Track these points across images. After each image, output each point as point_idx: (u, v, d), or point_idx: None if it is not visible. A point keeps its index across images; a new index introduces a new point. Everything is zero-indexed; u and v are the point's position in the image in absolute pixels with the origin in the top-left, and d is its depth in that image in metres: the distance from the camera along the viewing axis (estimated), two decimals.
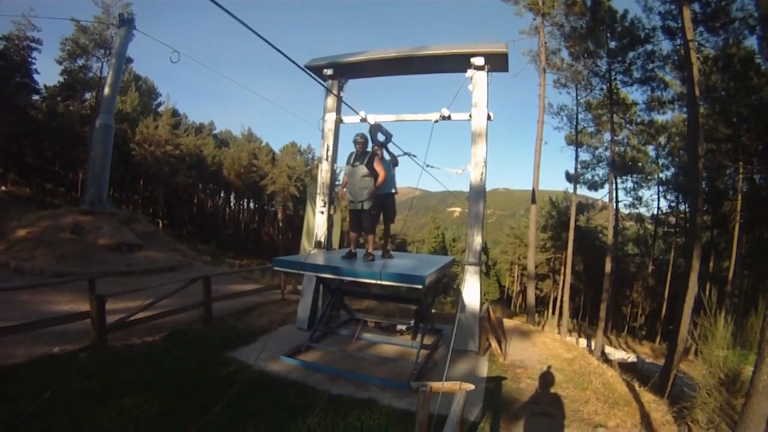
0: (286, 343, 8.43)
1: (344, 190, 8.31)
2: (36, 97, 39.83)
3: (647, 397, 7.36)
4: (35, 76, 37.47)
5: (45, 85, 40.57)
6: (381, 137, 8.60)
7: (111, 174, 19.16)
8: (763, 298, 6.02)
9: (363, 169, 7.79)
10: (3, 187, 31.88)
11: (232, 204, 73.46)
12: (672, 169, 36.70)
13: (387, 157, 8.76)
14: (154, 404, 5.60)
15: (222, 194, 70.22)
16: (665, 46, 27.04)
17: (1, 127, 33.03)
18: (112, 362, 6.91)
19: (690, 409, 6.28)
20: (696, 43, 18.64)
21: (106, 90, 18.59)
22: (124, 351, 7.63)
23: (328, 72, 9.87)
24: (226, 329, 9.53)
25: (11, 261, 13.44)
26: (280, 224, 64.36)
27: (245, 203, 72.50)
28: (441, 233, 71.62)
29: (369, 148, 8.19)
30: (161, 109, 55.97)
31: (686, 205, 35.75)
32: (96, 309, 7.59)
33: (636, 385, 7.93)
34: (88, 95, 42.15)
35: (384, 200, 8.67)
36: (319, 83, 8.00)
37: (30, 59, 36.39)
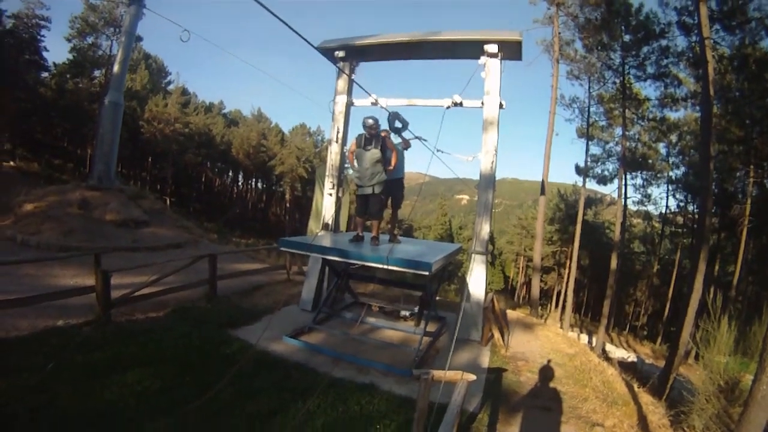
0: (290, 323, 8.45)
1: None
2: (45, 75, 39.91)
3: (645, 398, 7.35)
4: (44, 53, 37.38)
5: (54, 63, 40.61)
6: (398, 124, 8.55)
7: (119, 151, 19.12)
8: (767, 306, 5.96)
9: (375, 154, 7.69)
10: (11, 163, 32.05)
11: (240, 183, 73.59)
12: (682, 168, 36.29)
13: (398, 141, 8.71)
14: (157, 380, 5.63)
15: (230, 173, 70.32)
16: (680, 42, 26.62)
17: (10, 104, 33.08)
18: (116, 337, 6.93)
19: (687, 414, 6.26)
20: (712, 40, 18.39)
21: (116, 68, 18.51)
22: (128, 326, 7.66)
23: (340, 54, 9.80)
24: (230, 308, 9.58)
25: (18, 235, 13.44)
26: (288, 205, 64.51)
27: (253, 183, 72.58)
28: (448, 220, 71.75)
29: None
30: (171, 87, 56.00)
31: (695, 206, 35.52)
32: (101, 284, 7.60)
33: (635, 386, 7.92)
34: (97, 73, 42.17)
35: (393, 185, 8.60)
36: (332, 64, 7.97)
37: (39, 37, 36.27)
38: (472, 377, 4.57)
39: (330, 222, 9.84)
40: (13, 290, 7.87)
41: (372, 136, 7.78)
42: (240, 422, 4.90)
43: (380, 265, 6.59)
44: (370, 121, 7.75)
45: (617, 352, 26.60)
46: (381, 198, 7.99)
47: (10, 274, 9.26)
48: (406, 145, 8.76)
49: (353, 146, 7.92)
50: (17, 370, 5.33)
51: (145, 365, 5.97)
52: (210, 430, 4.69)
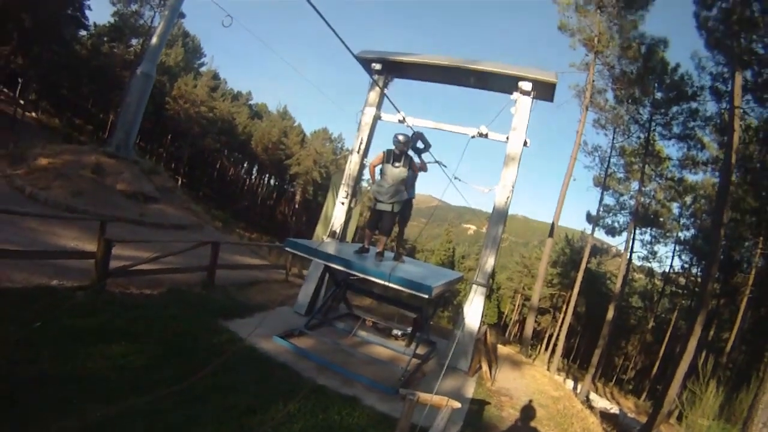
0: (282, 324, 8.43)
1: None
2: (83, 33, 40.31)
3: None
4: (87, 12, 37.73)
5: (95, 23, 41.29)
6: (420, 145, 8.55)
7: (142, 123, 19.22)
8: (756, 377, 5.94)
9: (402, 172, 7.69)
10: (34, 114, 32.25)
11: (253, 176, 74.00)
12: (692, 231, 36.39)
13: (417, 162, 8.71)
14: (140, 356, 5.60)
15: (245, 165, 70.72)
16: (710, 107, 26.87)
17: (43, 54, 33.32)
18: (107, 307, 6.89)
19: None
20: (741, 110, 18.43)
21: (154, 39, 18.62)
22: (121, 298, 7.63)
23: (377, 66, 9.85)
24: (225, 298, 9.57)
25: (27, 187, 13.46)
26: (296, 206, 64.72)
27: (266, 178, 72.91)
28: (452, 247, 71.62)
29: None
30: (203, 69, 56.68)
31: (699, 269, 35.45)
32: (102, 251, 7.59)
33: None
34: (134, 41, 42.77)
35: (404, 204, 8.64)
36: (368, 75, 8.00)
37: None
38: (458, 405, 4.53)
39: (338, 230, 9.83)
40: (14, 241, 7.92)
41: (402, 153, 7.77)
42: (217, 413, 4.86)
43: (381, 281, 6.58)
44: (402, 137, 7.73)
45: (601, 402, 26.45)
46: (395, 215, 7.99)
47: (14, 224, 9.29)
48: (423, 167, 8.76)
49: (379, 160, 7.89)
50: (4, 321, 5.33)
51: (131, 340, 5.94)
52: (185, 417, 4.65)
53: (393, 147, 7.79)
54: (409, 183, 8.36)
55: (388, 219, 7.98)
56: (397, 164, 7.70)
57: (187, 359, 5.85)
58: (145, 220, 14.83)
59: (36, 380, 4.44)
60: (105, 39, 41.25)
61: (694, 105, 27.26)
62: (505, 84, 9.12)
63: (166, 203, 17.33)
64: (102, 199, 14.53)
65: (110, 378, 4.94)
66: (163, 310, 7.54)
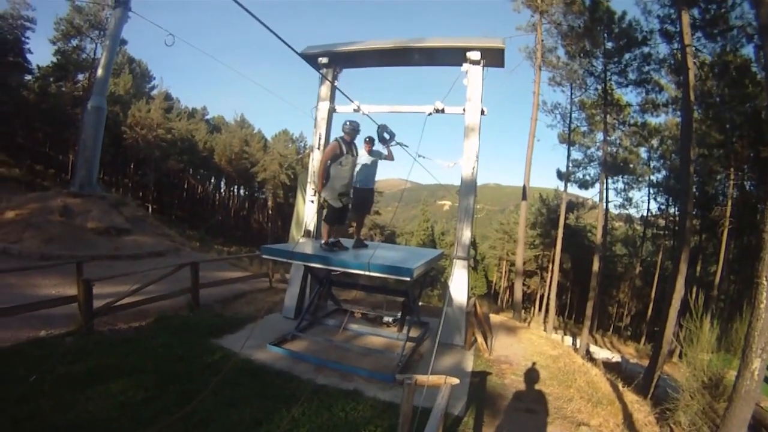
0: (273, 331, 8.42)
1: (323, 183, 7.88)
2: (28, 77, 39.52)
3: (630, 397, 7.42)
4: (28, 55, 37.31)
5: (38, 65, 40.36)
6: (386, 136, 8.57)
7: (102, 157, 18.97)
8: (749, 304, 6.07)
9: (353, 161, 7.84)
10: None
11: (222, 190, 73.52)
12: (663, 172, 37.03)
13: (384, 152, 8.73)
14: (139, 390, 5.58)
15: (212, 180, 70.14)
16: (662, 49, 27.30)
17: None
18: (98, 347, 6.88)
19: (673, 411, 6.34)
20: (693, 48, 18.69)
21: (100, 71, 18.38)
22: (111, 336, 7.60)
23: (323, 60, 9.80)
24: (212, 316, 9.54)
25: None
26: (270, 212, 64.41)
27: (235, 190, 72.48)
28: (430, 226, 71.75)
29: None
30: (154, 92, 55.95)
31: (676, 209, 36.06)
32: (83, 293, 7.53)
33: (620, 385, 8.00)
34: (80, 76, 41.89)
35: (366, 194, 8.85)
36: (315, 70, 7.98)
37: (23, 38, 36.16)
38: (456, 381, 4.59)
39: (312, 229, 9.81)
40: None
41: (350, 141, 7.82)
42: (223, 431, 4.87)
43: (362, 272, 6.61)
44: (349, 125, 7.83)
45: (601, 353, 26.79)
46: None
47: None
48: (391, 157, 8.79)
49: (333, 151, 7.74)
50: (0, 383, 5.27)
51: (127, 375, 5.92)
52: None
53: (343, 135, 7.81)
54: (371, 173, 8.48)
55: (347, 213, 8.14)
56: (348, 156, 7.75)
57: (185, 384, 5.84)
58: (120, 253, 14.69)
59: None
60: (51, 79, 40.36)
61: (646, 49, 27.66)
62: (454, 57, 9.13)
63: (139, 233, 17.17)
64: (74, 240, 14.36)
65: (113, 417, 4.94)
66: (153, 340, 7.52)
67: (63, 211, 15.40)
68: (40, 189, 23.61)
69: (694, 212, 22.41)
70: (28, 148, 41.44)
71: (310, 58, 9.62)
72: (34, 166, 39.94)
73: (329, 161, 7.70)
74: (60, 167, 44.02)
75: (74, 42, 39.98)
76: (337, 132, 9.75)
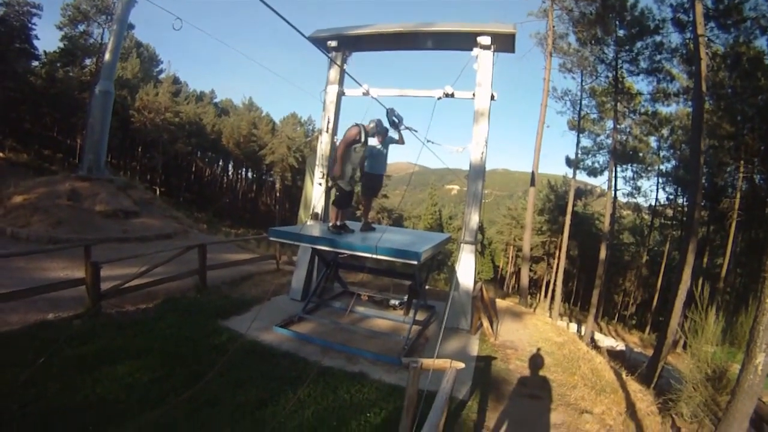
0: (279, 313, 8.46)
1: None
2: (35, 63, 39.77)
3: (634, 386, 7.42)
4: (35, 41, 37.46)
5: (45, 51, 40.49)
6: (395, 119, 8.55)
7: (109, 140, 18.97)
8: (754, 298, 6.04)
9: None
10: (1, 154, 31.74)
11: (230, 173, 73.65)
12: (673, 162, 36.69)
13: (396, 137, 8.71)
14: (147, 371, 5.62)
15: (220, 163, 70.31)
16: (674, 38, 26.92)
17: None
18: (106, 329, 6.90)
19: (675, 402, 6.34)
20: (706, 38, 18.46)
21: (107, 56, 18.30)
22: (118, 318, 7.64)
23: (332, 44, 9.76)
24: (219, 298, 9.57)
25: (7, 228, 13.35)
26: (278, 194, 64.48)
27: (243, 172, 72.57)
28: (438, 210, 71.62)
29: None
30: (162, 76, 55.92)
31: (684, 199, 35.89)
32: (91, 276, 7.56)
33: (623, 374, 7.99)
34: (88, 61, 41.96)
35: (377, 179, 8.93)
36: (324, 54, 7.95)
37: (30, 25, 36.21)
38: (461, 365, 4.60)
39: (320, 212, 9.82)
40: (4, 284, 7.81)
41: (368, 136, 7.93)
42: (229, 412, 4.92)
43: (369, 255, 6.61)
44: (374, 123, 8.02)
45: (606, 341, 26.77)
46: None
47: (1, 267, 9.20)
48: (402, 140, 8.78)
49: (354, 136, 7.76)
50: (8, 365, 5.30)
51: (135, 357, 5.96)
52: (199, 421, 4.70)
53: (365, 124, 7.83)
54: (381, 159, 8.59)
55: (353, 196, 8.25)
56: (364, 144, 7.83)
57: (192, 366, 5.88)
58: (128, 236, 14.74)
59: (48, 417, 4.46)
60: (58, 65, 40.40)
61: (658, 38, 27.29)
62: (464, 41, 9.05)
63: (147, 216, 17.21)
64: (83, 223, 14.41)
65: (120, 399, 4.97)
66: (160, 321, 7.55)
67: (71, 194, 15.44)
68: (49, 173, 23.67)
69: (702, 203, 22.29)
70: (36, 134, 41.66)
71: (319, 42, 9.56)
72: (42, 151, 40.14)
73: (350, 145, 7.73)
74: (68, 152, 44.26)
75: (81, 27, 40.03)
76: (345, 115, 9.82)
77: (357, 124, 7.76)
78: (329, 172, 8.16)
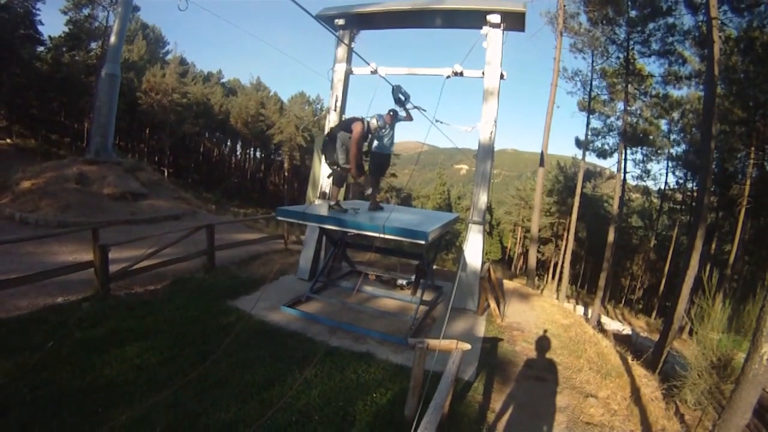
0: (287, 293, 8.52)
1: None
2: (41, 49, 39.46)
3: (639, 371, 7.42)
4: (40, 27, 37.06)
5: (50, 36, 40.22)
6: (402, 97, 8.49)
7: (117, 123, 18.93)
8: (762, 286, 5.98)
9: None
10: (8, 140, 31.79)
11: (238, 153, 73.52)
12: (683, 146, 36.18)
13: (403, 114, 8.65)
14: (156, 352, 5.68)
15: (228, 143, 70.15)
16: (687, 20, 26.34)
17: (5, 79, 32.95)
18: (115, 311, 6.97)
19: (679, 389, 6.33)
20: (719, 21, 18.13)
21: (112, 39, 18.19)
22: (127, 300, 7.70)
23: (340, 22, 9.72)
24: (228, 278, 9.62)
25: (16, 213, 13.42)
26: (286, 174, 64.38)
27: (252, 152, 72.52)
28: (446, 190, 71.45)
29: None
30: (169, 57, 55.76)
31: (694, 184, 35.52)
32: (99, 258, 7.60)
33: (629, 358, 8.00)
34: (93, 45, 41.80)
35: (384, 159, 8.95)
36: (331, 33, 7.87)
37: (34, 10, 35.79)
38: (467, 346, 4.61)
39: (328, 191, 9.81)
40: (13, 269, 7.87)
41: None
42: (237, 392, 4.95)
43: (377, 234, 6.60)
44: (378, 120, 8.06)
45: (612, 325, 26.80)
46: None
47: (10, 252, 9.26)
48: (410, 117, 8.72)
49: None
50: (18, 350, 5.34)
51: (143, 338, 6.02)
52: (207, 401, 4.73)
53: (368, 119, 7.82)
54: (389, 138, 8.57)
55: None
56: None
57: (200, 346, 5.94)
58: (137, 218, 14.80)
59: (58, 399, 4.50)
60: (64, 49, 40.19)
61: (670, 20, 26.75)
62: (473, 19, 8.94)
63: (155, 197, 17.24)
64: (91, 207, 14.45)
65: (129, 380, 5.02)
66: (169, 302, 7.63)
67: (79, 178, 15.47)
68: (56, 158, 23.71)
69: (712, 189, 22.05)
70: (43, 119, 41.66)
71: (327, 20, 9.50)
72: (49, 135, 40.24)
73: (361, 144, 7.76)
74: (75, 135, 44.35)
75: (86, 11, 39.74)
76: (353, 93, 9.82)
77: (360, 120, 7.70)
78: (334, 160, 8.09)
